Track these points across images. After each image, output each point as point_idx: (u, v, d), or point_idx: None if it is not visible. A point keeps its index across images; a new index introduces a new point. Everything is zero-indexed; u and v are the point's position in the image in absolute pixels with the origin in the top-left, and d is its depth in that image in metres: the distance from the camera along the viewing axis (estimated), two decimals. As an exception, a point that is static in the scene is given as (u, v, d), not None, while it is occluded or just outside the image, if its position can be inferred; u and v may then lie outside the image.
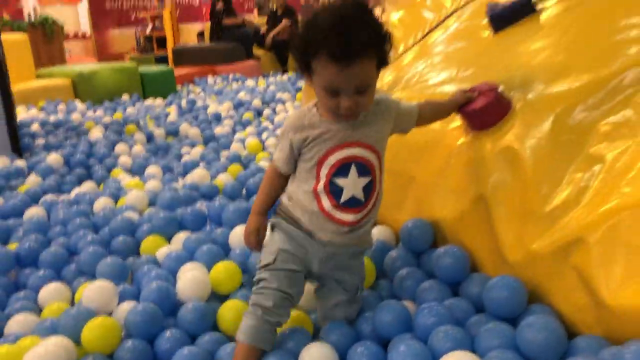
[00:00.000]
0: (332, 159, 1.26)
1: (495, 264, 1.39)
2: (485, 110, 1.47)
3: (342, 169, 1.27)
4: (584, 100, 1.38)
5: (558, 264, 1.23)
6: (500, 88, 1.51)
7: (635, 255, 1.09)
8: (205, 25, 8.76)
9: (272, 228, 1.36)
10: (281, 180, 1.35)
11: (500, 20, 1.92)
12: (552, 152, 1.35)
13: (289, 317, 1.32)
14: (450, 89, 1.71)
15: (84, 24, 12.97)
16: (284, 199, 1.35)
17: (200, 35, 9.59)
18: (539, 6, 1.92)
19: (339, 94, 1.19)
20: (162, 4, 10.55)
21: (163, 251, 1.76)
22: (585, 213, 1.21)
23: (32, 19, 8.20)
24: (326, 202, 1.28)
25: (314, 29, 1.17)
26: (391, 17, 2.87)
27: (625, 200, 1.15)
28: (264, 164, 2.86)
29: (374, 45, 1.18)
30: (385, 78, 2.20)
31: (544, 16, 1.87)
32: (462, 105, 1.50)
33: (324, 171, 1.27)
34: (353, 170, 1.27)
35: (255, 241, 1.33)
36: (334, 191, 1.27)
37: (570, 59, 1.54)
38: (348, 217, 1.29)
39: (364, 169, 1.29)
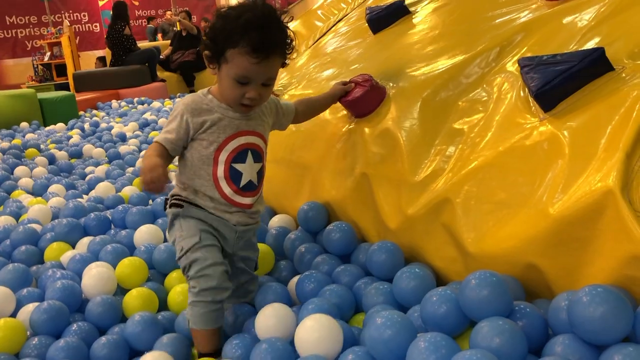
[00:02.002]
0: (232, 145, 1.35)
1: (380, 233, 1.54)
2: (362, 99, 1.63)
3: (240, 155, 1.37)
4: (445, 84, 1.57)
5: (430, 224, 1.39)
6: (375, 79, 1.67)
7: (489, 207, 1.27)
8: (107, 51, 8.58)
9: (176, 217, 1.36)
10: (168, 159, 1.32)
11: (378, 22, 2.12)
12: (422, 129, 1.52)
13: (232, 287, 1.35)
14: (335, 83, 1.86)
15: (-25, 55, 12.36)
16: (179, 191, 1.38)
17: (100, 59, 9.34)
18: (412, 8, 2.14)
19: (247, 84, 1.29)
20: (60, 31, 10.25)
21: (68, 255, 1.78)
22: (450, 177, 1.38)
23: None
24: (227, 188, 1.36)
25: (236, 21, 1.24)
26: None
27: (479, 162, 1.33)
28: (171, 175, 2.89)
29: (285, 44, 1.31)
30: (280, 80, 2.34)
31: (416, 17, 2.08)
32: (342, 96, 1.65)
33: (223, 156, 1.35)
34: (249, 156, 1.38)
35: (159, 175, 1.20)
36: (234, 176, 1.36)
37: (436, 50, 1.74)
38: (246, 200, 1.39)
39: (258, 155, 1.40)
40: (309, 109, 1.63)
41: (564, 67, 1.24)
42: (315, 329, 1.14)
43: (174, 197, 1.38)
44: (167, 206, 1.39)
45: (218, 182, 1.36)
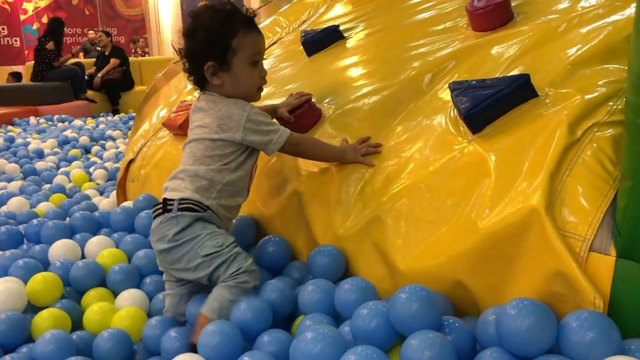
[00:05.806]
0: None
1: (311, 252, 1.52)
2: (299, 118, 1.63)
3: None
4: (378, 106, 1.59)
5: (361, 243, 1.39)
6: (312, 99, 1.68)
7: (418, 225, 1.28)
8: (26, 65, 8.21)
9: (196, 220, 1.33)
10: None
11: (313, 45, 2.14)
12: (356, 149, 1.53)
13: None
14: (269, 102, 1.85)
15: None
16: (199, 198, 1.34)
17: (14, 75, 8.88)
18: (346, 34, 2.18)
19: (257, 64, 1.39)
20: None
21: (-28, 271, 1.64)
22: (380, 196, 1.39)
23: None
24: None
25: (221, 14, 1.35)
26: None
27: (410, 182, 1.35)
28: (90, 192, 2.77)
29: None
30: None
31: (349, 41, 2.12)
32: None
33: None
34: None
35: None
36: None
37: (369, 74, 1.78)
38: None
39: None
40: None
41: (493, 90, 1.29)
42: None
43: (191, 202, 1.33)
44: (176, 209, 1.33)
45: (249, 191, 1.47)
